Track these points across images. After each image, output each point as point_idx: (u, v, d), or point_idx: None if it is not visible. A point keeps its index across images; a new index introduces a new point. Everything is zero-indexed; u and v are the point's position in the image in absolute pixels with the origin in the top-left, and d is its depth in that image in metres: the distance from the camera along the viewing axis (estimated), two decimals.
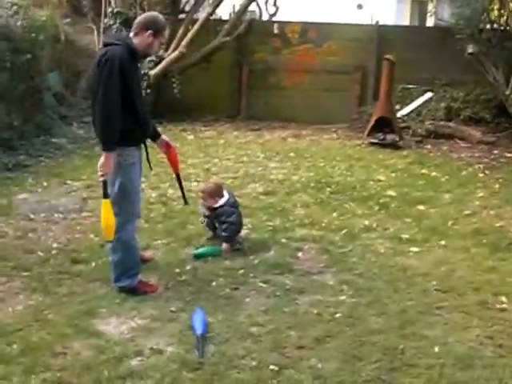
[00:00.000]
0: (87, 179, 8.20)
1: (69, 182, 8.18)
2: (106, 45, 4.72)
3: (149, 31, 4.67)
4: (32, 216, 6.79)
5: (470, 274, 5.41)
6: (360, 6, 22.74)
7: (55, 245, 5.95)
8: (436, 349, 4.14)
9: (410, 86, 12.91)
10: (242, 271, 5.36)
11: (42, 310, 4.62)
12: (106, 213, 4.61)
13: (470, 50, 11.80)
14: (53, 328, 4.33)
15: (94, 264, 5.46)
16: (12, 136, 9.29)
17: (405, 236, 6.32)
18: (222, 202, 5.90)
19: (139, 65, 5.21)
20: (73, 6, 13.66)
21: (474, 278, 5.32)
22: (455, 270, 5.48)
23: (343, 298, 4.93)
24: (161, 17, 4.90)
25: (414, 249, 6.00)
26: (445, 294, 5.01)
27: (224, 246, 5.81)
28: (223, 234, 5.84)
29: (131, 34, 4.75)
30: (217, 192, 5.96)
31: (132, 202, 4.87)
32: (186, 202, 5.67)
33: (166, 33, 4.93)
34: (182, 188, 5.56)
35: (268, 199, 7.59)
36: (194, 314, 4.41)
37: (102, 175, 4.59)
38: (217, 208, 5.88)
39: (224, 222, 5.82)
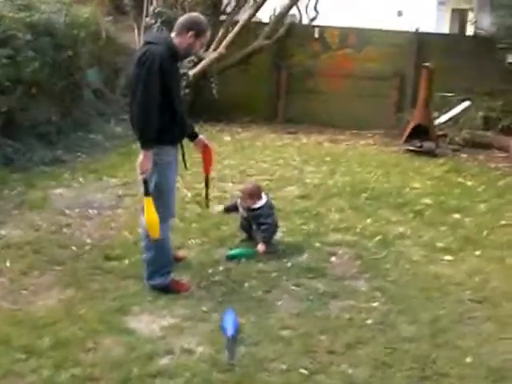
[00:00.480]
0: (123, 176, 8.25)
1: (105, 178, 8.23)
2: (146, 43, 4.75)
3: (190, 32, 4.69)
4: (67, 211, 6.83)
5: (505, 284, 5.33)
6: (400, 13, 22.61)
7: (89, 240, 5.99)
8: (468, 359, 4.08)
9: (449, 94, 12.75)
10: (274, 274, 5.34)
11: (74, 304, 4.65)
12: (150, 211, 4.62)
13: (510, 60, 11.66)
14: (84, 323, 4.35)
15: (127, 261, 5.48)
16: (50, 131, 9.37)
17: (439, 244, 6.25)
18: (261, 203, 5.90)
19: (179, 64, 5.23)
20: (115, 5, 13.77)
21: (509, 288, 5.24)
22: (489, 281, 5.40)
23: (375, 304, 4.89)
24: (203, 18, 4.93)
25: (448, 257, 5.93)
26: (478, 304, 4.94)
27: (260, 246, 5.79)
28: (262, 234, 5.82)
29: (173, 34, 4.77)
30: (256, 193, 5.96)
31: (167, 200, 4.87)
32: (207, 206, 5.69)
33: (208, 34, 4.91)
34: (207, 190, 5.58)
35: (303, 203, 7.55)
36: (226, 315, 4.39)
37: (142, 173, 4.60)
38: (255, 209, 5.88)
39: (262, 224, 5.81)
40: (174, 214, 5.16)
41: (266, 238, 5.82)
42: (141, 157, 4.59)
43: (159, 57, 4.50)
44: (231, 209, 6.25)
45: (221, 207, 6.28)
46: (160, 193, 4.74)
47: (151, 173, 4.65)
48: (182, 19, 4.83)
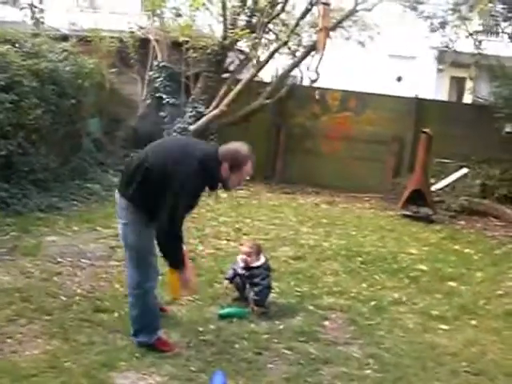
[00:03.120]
0: (117, 228, 8.15)
1: (99, 228, 8.17)
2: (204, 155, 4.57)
3: (225, 163, 4.60)
4: (59, 259, 6.76)
5: (502, 357, 5.21)
6: (399, 79, 22.93)
7: (79, 291, 5.89)
8: None
9: (446, 161, 12.85)
10: (266, 336, 5.23)
11: (59, 356, 4.52)
12: (172, 277, 4.77)
13: (507, 129, 11.80)
14: (68, 377, 4.23)
15: (116, 314, 5.37)
16: (48, 177, 9.36)
17: (434, 312, 6.16)
18: (259, 262, 5.85)
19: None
20: (120, 57, 13.90)
21: (506, 362, 5.13)
22: (486, 353, 5.29)
23: (369, 372, 4.78)
24: (243, 150, 4.78)
25: (444, 326, 5.83)
26: (474, 377, 4.83)
27: (255, 308, 5.69)
28: (255, 297, 5.72)
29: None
30: (259, 251, 5.94)
31: (150, 260, 4.79)
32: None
33: (249, 167, 4.84)
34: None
35: (297, 264, 7.48)
36: (215, 377, 4.28)
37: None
38: (253, 268, 5.81)
39: (257, 284, 5.72)
40: (158, 272, 4.96)
41: (260, 302, 5.72)
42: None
43: (202, 182, 4.57)
44: (233, 276, 6.08)
45: (226, 282, 6.15)
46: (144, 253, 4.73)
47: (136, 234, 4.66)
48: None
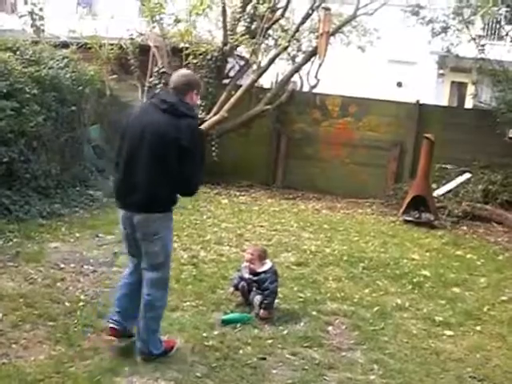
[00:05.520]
0: (119, 234, 8.16)
1: (101, 235, 8.16)
2: (184, 115, 4.59)
3: (195, 90, 4.77)
4: (62, 265, 6.76)
5: (507, 363, 5.21)
6: (400, 84, 22.93)
7: (82, 297, 5.89)
8: None
9: (448, 166, 12.83)
10: (270, 341, 5.23)
11: (64, 362, 4.52)
12: None
13: (510, 135, 11.76)
14: (74, 382, 4.23)
15: None
16: (49, 184, 9.35)
17: (438, 318, 6.15)
18: (266, 267, 5.85)
19: None
20: (120, 64, 13.92)
21: (511, 368, 5.12)
22: (491, 358, 5.29)
23: (373, 377, 4.78)
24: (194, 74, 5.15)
25: (448, 332, 5.83)
26: (479, 383, 4.84)
27: (262, 312, 5.69)
28: (264, 301, 5.71)
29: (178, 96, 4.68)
30: (264, 255, 5.95)
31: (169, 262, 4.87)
32: None
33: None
34: None
35: (300, 270, 7.48)
36: None
37: None
38: (260, 273, 5.81)
39: (265, 289, 5.73)
40: None
41: (268, 305, 5.72)
42: None
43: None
44: (238, 284, 6.08)
45: (231, 289, 6.15)
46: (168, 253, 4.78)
47: (169, 235, 4.74)
48: (182, 79, 4.76)
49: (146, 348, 4.69)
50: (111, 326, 4.85)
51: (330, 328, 5.71)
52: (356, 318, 5.99)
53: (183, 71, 5.14)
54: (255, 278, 5.82)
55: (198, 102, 5.17)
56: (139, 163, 4.55)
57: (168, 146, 4.48)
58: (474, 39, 13.75)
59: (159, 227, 4.59)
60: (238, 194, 12.47)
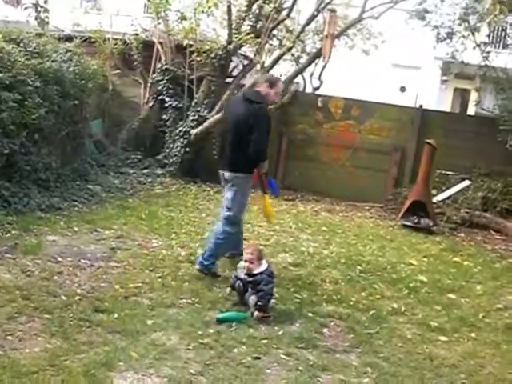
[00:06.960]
0: (118, 229, 8.21)
1: (99, 229, 8.16)
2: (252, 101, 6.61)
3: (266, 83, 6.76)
4: (59, 259, 6.76)
5: (500, 371, 5.20)
6: (403, 89, 22.98)
7: (79, 291, 5.88)
8: None
9: (448, 173, 12.84)
10: (265, 341, 5.22)
11: (58, 355, 4.52)
12: (267, 204, 7.21)
13: (511, 143, 11.78)
14: (68, 375, 4.22)
15: (116, 315, 5.37)
16: (49, 177, 9.35)
17: (434, 324, 6.14)
18: (262, 268, 5.86)
19: None
20: (123, 59, 13.94)
21: (505, 376, 5.11)
22: (484, 366, 5.28)
23: (366, 380, 4.77)
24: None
25: (443, 338, 5.82)
26: None
27: (257, 314, 5.68)
28: (259, 302, 5.71)
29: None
30: (261, 256, 5.95)
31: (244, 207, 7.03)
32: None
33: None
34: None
35: (297, 271, 7.48)
36: None
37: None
38: (256, 274, 5.81)
39: (260, 290, 5.72)
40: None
41: (263, 307, 5.71)
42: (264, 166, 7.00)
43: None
44: (234, 284, 6.07)
45: (228, 289, 6.16)
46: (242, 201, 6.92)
47: (243, 191, 6.86)
48: (258, 76, 6.19)
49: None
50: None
51: (325, 330, 5.70)
52: (351, 320, 5.99)
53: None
54: (250, 279, 5.81)
55: (272, 93, 6.72)
56: (228, 137, 6.72)
57: (240, 123, 6.55)
58: (479, 46, 13.75)
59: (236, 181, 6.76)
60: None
